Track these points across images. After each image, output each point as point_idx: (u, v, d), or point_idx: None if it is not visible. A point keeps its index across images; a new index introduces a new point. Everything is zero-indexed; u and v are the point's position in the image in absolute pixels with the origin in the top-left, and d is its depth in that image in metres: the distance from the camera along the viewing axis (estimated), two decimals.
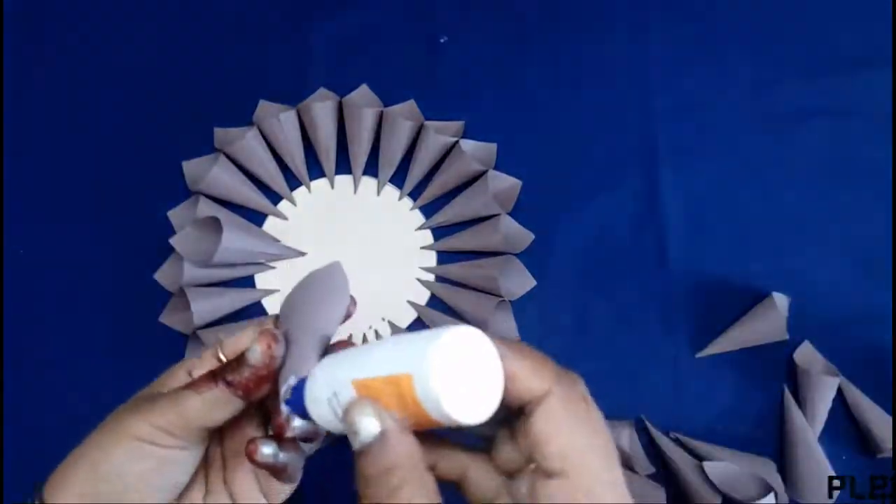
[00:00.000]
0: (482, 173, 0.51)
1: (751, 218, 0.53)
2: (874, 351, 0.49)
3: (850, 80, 0.56)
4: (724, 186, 0.54)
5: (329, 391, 0.27)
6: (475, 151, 0.52)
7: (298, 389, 0.29)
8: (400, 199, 0.53)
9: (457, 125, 0.54)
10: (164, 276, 0.50)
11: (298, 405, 0.29)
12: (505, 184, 0.52)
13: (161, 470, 0.30)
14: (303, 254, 0.51)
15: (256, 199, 0.52)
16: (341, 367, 0.27)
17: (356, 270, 0.51)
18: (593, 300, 0.51)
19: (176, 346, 0.49)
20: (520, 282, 0.50)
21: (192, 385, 0.30)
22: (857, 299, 0.51)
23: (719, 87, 0.56)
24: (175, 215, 0.51)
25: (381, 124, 0.52)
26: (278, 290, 0.51)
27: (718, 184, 0.54)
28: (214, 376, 0.30)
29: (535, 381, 0.26)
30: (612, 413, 0.48)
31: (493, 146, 0.53)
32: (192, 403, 0.30)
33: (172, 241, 0.49)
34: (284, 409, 0.29)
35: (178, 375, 0.33)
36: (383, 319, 0.50)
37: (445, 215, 0.52)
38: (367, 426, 0.25)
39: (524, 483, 0.27)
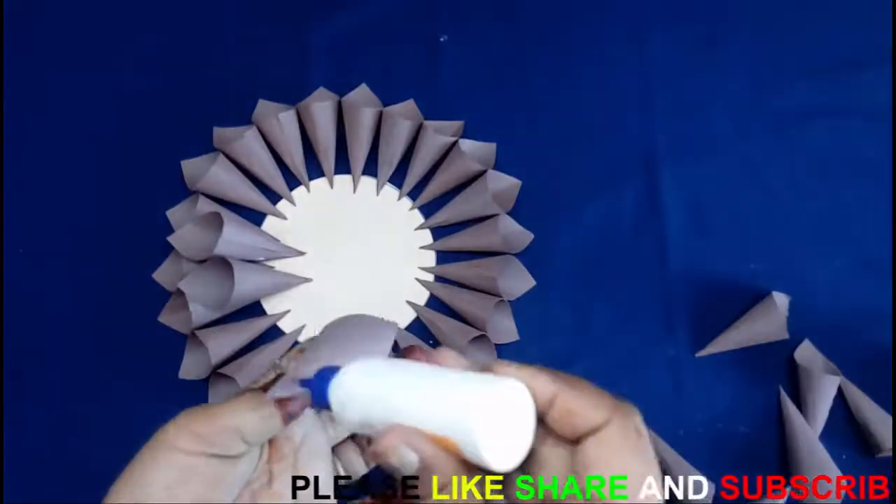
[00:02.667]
0: (481, 173, 0.51)
1: (751, 217, 0.53)
2: (874, 351, 0.49)
3: (849, 80, 0.56)
4: (725, 186, 0.53)
5: (364, 408, 0.27)
6: (475, 151, 0.52)
7: (324, 379, 0.29)
8: (399, 198, 0.53)
9: (456, 125, 0.54)
10: (162, 275, 0.50)
11: (320, 394, 0.29)
12: (505, 184, 0.52)
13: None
14: (302, 253, 0.51)
15: (255, 199, 0.52)
16: (383, 387, 0.27)
17: (355, 270, 0.51)
18: (593, 300, 0.51)
19: (175, 346, 0.49)
20: (519, 282, 0.50)
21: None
22: (857, 299, 0.51)
23: (719, 87, 0.56)
24: (174, 214, 0.51)
25: (381, 124, 0.52)
26: (289, 310, 0.50)
27: (718, 183, 0.54)
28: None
29: (593, 414, 0.26)
30: None
31: (492, 146, 0.53)
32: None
33: (171, 238, 0.49)
34: (299, 389, 0.30)
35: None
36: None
37: (445, 215, 0.52)
38: (408, 457, 0.26)
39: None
